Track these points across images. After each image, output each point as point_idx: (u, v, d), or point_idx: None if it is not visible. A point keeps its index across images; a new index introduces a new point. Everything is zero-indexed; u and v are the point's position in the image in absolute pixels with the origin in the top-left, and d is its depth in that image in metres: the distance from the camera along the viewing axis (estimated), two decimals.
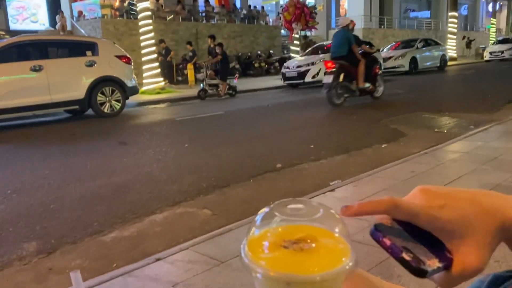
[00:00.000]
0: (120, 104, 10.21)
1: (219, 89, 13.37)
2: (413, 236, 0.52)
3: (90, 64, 9.70)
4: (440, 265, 0.49)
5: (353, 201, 0.52)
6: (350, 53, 9.58)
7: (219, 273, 2.48)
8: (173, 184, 4.51)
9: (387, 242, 0.49)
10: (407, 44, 21.34)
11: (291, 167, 4.94)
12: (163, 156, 5.88)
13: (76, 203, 4.11)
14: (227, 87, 13.51)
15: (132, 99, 11.48)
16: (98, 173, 5.15)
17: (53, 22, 21.24)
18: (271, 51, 24.51)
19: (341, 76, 9.37)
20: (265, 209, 0.48)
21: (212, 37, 14.76)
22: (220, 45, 13.87)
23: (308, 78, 15.12)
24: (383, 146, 5.85)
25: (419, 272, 0.47)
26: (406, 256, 0.48)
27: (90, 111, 10.06)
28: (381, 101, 10.23)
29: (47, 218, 3.73)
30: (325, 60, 11.29)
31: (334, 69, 9.37)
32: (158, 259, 2.70)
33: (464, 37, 35.66)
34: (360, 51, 9.82)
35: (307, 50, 17.84)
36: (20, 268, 2.83)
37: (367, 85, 9.77)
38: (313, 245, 0.43)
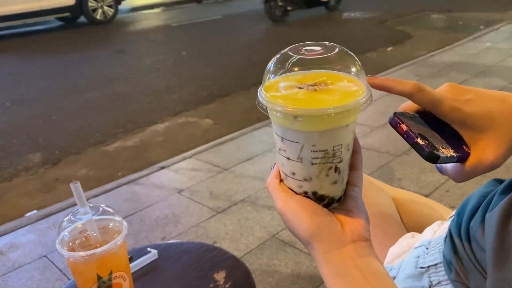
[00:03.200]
0: (112, 10, 9.73)
1: None
2: (432, 128, 0.51)
3: None
4: (454, 154, 0.49)
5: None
6: None
7: (223, 180, 2.53)
8: (173, 94, 4.45)
9: (404, 127, 0.50)
10: None
11: None
12: (161, 64, 5.73)
13: (77, 113, 4.09)
14: None
15: (125, 4, 10.89)
16: (97, 83, 5.06)
17: None
18: None
19: None
20: (277, 55, 0.47)
21: None
22: None
23: None
24: (388, 49, 5.65)
25: (431, 157, 0.48)
26: (420, 141, 0.48)
27: (82, 18, 9.62)
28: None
29: (49, 129, 3.73)
30: None
31: None
32: (162, 168, 2.74)
33: None
34: None
35: None
36: (27, 178, 2.90)
37: None
38: (329, 86, 0.44)
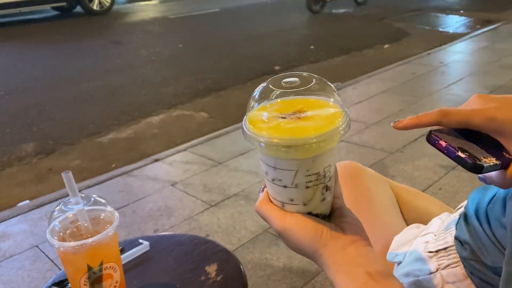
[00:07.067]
0: (109, 1, 9.66)
1: None
2: (470, 140, 0.52)
3: None
4: (497, 162, 0.49)
5: (405, 117, 0.53)
6: None
7: (217, 173, 2.53)
8: (169, 86, 4.43)
9: (443, 144, 0.50)
10: None
11: (290, 69, 4.81)
12: (157, 56, 5.70)
13: (71, 104, 4.07)
14: None
15: None
16: (92, 74, 5.02)
17: None
18: None
19: None
20: (262, 84, 0.49)
21: None
22: None
23: None
24: (385, 46, 5.65)
25: (475, 168, 0.48)
26: (461, 154, 0.49)
27: (78, 8, 9.53)
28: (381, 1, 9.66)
29: (43, 119, 3.71)
30: None
31: None
32: (156, 160, 2.73)
33: None
34: None
35: None
36: (20, 168, 2.88)
37: None
38: (309, 113, 0.47)
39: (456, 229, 0.68)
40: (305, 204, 0.49)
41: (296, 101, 0.48)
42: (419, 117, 0.52)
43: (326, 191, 0.49)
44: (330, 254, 0.47)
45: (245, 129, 0.47)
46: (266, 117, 0.47)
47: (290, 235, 0.49)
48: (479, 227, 0.62)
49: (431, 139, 0.52)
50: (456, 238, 0.66)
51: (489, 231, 0.60)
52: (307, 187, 0.48)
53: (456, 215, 0.71)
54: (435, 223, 0.75)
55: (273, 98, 0.49)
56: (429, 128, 0.54)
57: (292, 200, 0.49)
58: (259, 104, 0.49)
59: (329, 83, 0.50)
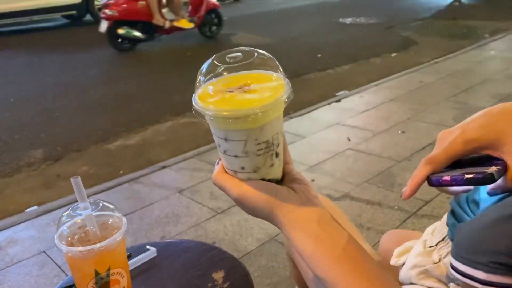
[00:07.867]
0: None
1: None
2: (463, 166, 0.55)
3: None
4: (499, 167, 0.51)
5: (405, 187, 0.57)
6: None
7: None
8: (176, 94, 4.45)
9: (447, 178, 0.52)
10: None
11: (297, 77, 4.81)
12: (164, 64, 5.74)
13: (79, 111, 4.10)
14: None
15: None
16: (101, 81, 5.07)
17: None
18: None
19: None
20: (208, 61, 0.52)
21: None
22: None
23: None
24: (393, 55, 5.64)
25: (487, 179, 0.50)
26: (468, 176, 0.51)
27: (88, 17, 9.64)
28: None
29: (51, 126, 3.74)
30: None
31: None
32: (164, 167, 2.74)
33: None
34: None
35: None
36: (29, 174, 2.90)
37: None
38: (254, 86, 0.49)
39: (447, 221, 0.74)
40: (255, 171, 0.52)
41: (242, 76, 0.51)
42: (413, 179, 0.56)
43: (276, 157, 0.53)
44: (284, 213, 0.52)
45: (194, 103, 0.50)
46: (213, 91, 0.50)
47: (247, 200, 0.53)
48: (461, 211, 0.68)
49: (433, 181, 0.54)
50: (448, 224, 0.72)
51: (469, 211, 0.66)
52: (258, 155, 0.51)
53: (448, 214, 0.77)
54: (430, 228, 0.80)
55: (219, 73, 0.51)
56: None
57: (243, 168, 0.52)
58: (205, 79, 0.52)
59: (271, 56, 0.53)
